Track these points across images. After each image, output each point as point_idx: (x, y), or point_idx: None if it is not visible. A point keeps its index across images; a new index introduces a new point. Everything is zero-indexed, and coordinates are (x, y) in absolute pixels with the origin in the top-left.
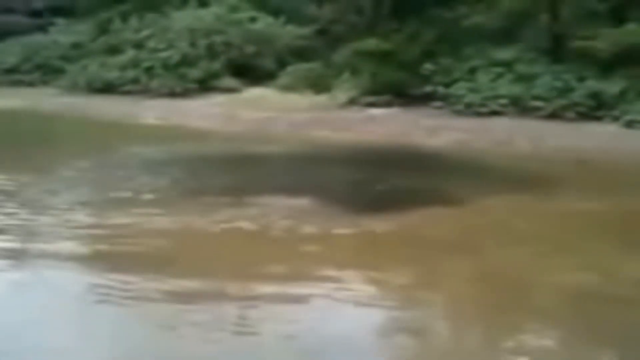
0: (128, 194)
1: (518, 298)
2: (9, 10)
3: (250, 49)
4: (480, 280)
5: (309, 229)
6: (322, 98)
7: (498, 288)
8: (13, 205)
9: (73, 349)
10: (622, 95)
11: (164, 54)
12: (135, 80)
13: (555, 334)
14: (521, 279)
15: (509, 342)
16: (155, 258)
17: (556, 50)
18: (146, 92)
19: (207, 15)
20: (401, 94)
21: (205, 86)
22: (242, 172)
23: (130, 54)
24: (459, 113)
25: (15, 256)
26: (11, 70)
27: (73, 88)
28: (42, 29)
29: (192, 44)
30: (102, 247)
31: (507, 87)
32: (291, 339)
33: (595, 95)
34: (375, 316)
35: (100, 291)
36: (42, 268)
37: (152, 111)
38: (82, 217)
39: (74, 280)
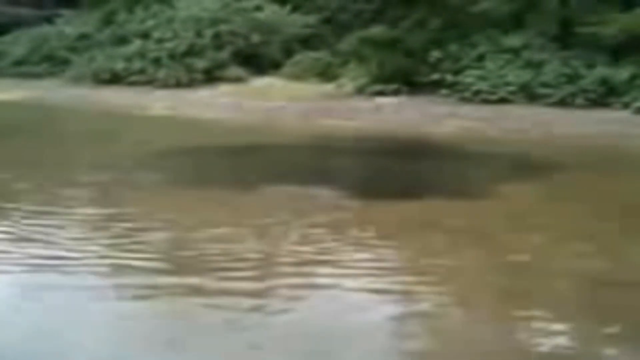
0: (145, 186)
1: (530, 284)
2: (15, 2)
3: (256, 38)
4: (493, 267)
5: (320, 218)
6: (329, 87)
7: (511, 275)
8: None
9: None
10: (632, 82)
11: (170, 44)
12: (142, 71)
13: (566, 320)
14: (534, 266)
15: (521, 327)
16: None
17: (564, 37)
18: (153, 83)
19: (212, 5)
20: (409, 82)
21: (211, 76)
22: (252, 161)
23: (136, 44)
24: (467, 101)
25: None
26: (19, 62)
27: (80, 79)
28: (48, 20)
29: (198, 34)
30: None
31: (515, 74)
32: (299, 326)
33: (604, 82)
34: (387, 303)
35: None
36: None
37: (160, 102)
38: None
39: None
